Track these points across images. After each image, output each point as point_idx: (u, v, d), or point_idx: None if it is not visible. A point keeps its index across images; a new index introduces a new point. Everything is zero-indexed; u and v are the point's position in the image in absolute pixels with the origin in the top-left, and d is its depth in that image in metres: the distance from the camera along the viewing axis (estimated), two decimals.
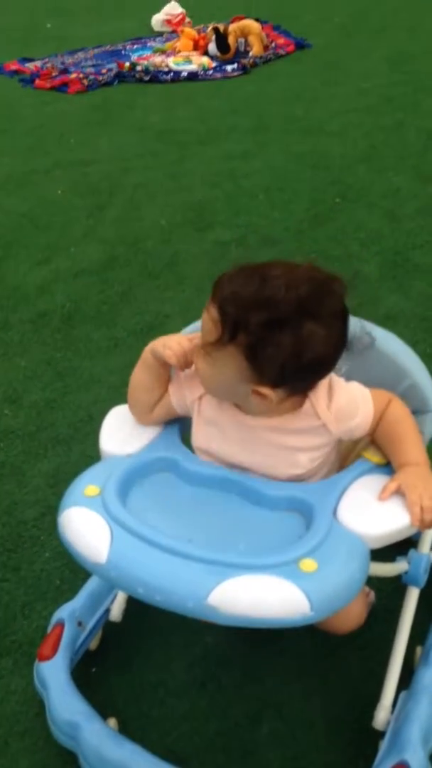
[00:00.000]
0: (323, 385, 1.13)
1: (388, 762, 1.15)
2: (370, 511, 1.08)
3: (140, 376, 1.21)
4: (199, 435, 1.19)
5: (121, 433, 1.24)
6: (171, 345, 1.15)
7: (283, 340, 1.02)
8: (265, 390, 1.07)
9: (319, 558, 1.00)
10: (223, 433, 1.16)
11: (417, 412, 1.25)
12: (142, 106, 4.24)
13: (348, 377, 1.22)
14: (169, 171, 3.41)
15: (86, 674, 1.37)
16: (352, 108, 3.96)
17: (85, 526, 1.06)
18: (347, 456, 1.28)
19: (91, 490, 1.11)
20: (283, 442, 1.14)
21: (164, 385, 1.21)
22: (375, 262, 2.60)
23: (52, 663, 1.30)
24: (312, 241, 2.77)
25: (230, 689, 1.36)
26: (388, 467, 1.16)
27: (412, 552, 1.24)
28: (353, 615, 1.25)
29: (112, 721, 1.28)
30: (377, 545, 1.06)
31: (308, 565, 0.99)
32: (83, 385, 2.14)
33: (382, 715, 1.24)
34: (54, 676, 1.28)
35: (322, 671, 1.38)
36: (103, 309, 2.47)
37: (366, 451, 1.19)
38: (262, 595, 0.96)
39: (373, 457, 1.17)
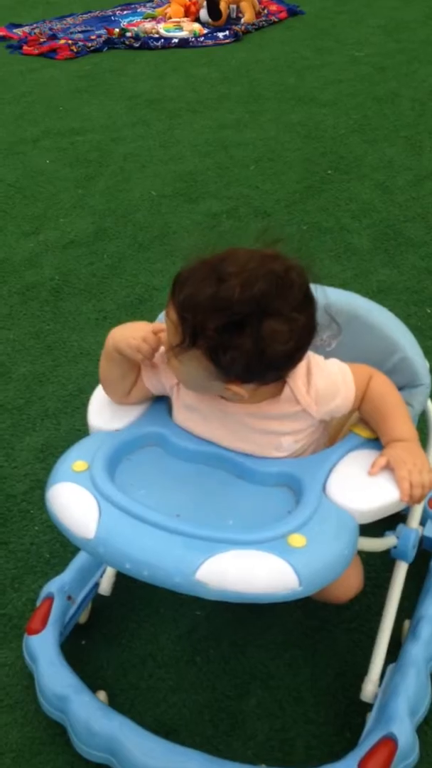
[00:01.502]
0: (301, 368, 1.11)
1: (375, 734, 1.16)
2: (359, 487, 1.08)
3: (108, 370, 1.18)
4: (179, 418, 1.18)
5: (108, 408, 1.23)
6: (138, 345, 1.12)
7: (244, 342, 1.01)
8: (235, 387, 1.07)
9: (307, 533, 1.00)
10: (204, 418, 1.15)
11: (408, 386, 1.24)
12: (132, 73, 4.16)
13: (338, 352, 1.21)
14: (159, 140, 3.35)
15: (75, 647, 1.38)
16: (345, 77, 3.90)
17: (73, 502, 1.05)
18: (338, 432, 1.27)
19: (79, 465, 1.10)
20: (265, 427, 1.13)
21: (136, 371, 1.19)
22: (367, 235, 2.58)
23: (41, 636, 1.30)
24: (303, 213, 2.74)
25: (218, 662, 1.37)
26: (377, 442, 1.16)
27: (400, 527, 1.25)
28: (353, 582, 1.26)
29: (102, 694, 1.28)
30: (366, 520, 1.06)
31: (297, 540, 0.99)
32: (72, 359, 2.12)
33: (369, 687, 1.25)
34: (43, 649, 1.29)
35: (310, 644, 1.39)
36: (92, 281, 2.44)
37: (355, 426, 1.19)
38: (250, 571, 0.96)
39: (362, 431, 1.17)
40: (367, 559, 1.41)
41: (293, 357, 1.07)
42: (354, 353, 1.21)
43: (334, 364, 1.15)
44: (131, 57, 4.40)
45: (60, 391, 2.02)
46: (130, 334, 1.13)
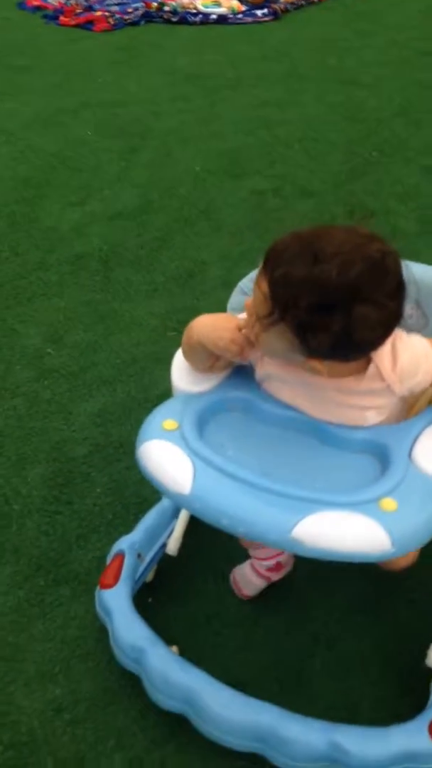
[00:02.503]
0: (387, 345, 1.12)
1: None
2: None
3: (191, 354, 1.21)
4: (264, 384, 1.20)
5: (191, 371, 1.25)
6: (226, 346, 1.15)
7: (333, 324, 1.02)
8: (315, 362, 1.08)
9: (398, 498, 1.03)
10: (289, 386, 1.17)
11: None
12: (171, 48, 4.15)
13: (417, 326, 1.23)
14: (200, 116, 3.35)
15: (143, 604, 1.41)
16: (386, 60, 3.89)
17: (167, 458, 1.08)
18: (415, 401, 1.29)
19: (170, 424, 1.13)
20: (350, 402, 1.15)
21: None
22: (413, 218, 2.59)
23: (114, 591, 1.34)
24: (349, 194, 2.75)
25: (283, 624, 1.41)
26: None
27: None
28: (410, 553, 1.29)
29: (174, 648, 1.32)
30: None
31: (389, 504, 1.02)
32: (125, 328, 2.15)
33: None
34: (117, 602, 1.32)
35: (373, 612, 1.42)
36: (140, 253, 2.46)
37: None
38: (346, 531, 1.00)
39: None
40: None
41: (378, 341, 1.08)
42: (419, 325, 1.22)
43: (417, 339, 1.17)
44: (169, 31, 4.39)
45: (113, 359, 2.04)
46: (217, 334, 1.16)
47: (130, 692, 1.30)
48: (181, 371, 1.26)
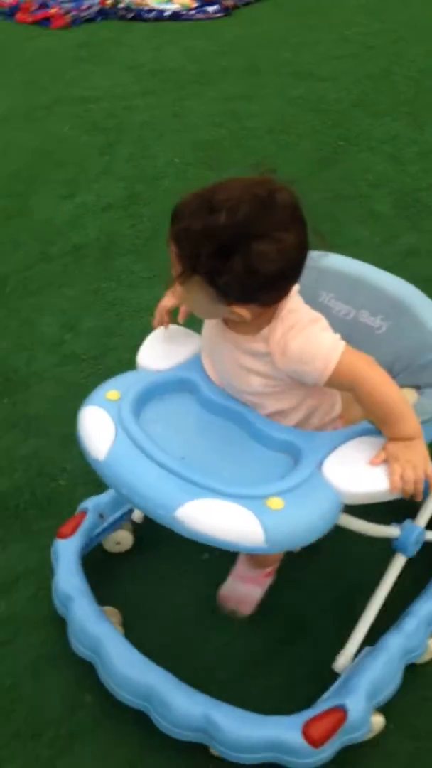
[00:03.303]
0: (290, 319, 1.17)
1: (329, 702, 1.27)
2: (353, 470, 1.15)
3: None
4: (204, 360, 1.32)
5: (159, 349, 1.36)
6: (155, 324, 1.37)
7: (235, 265, 1.08)
8: (237, 308, 1.14)
9: (288, 499, 1.10)
10: (209, 339, 1.28)
11: (428, 384, 1.31)
12: (130, 44, 4.24)
13: (383, 338, 1.34)
14: (171, 110, 3.48)
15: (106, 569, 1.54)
16: (338, 55, 4.09)
17: (95, 425, 1.19)
18: (345, 416, 1.33)
19: (113, 394, 1.23)
20: (238, 360, 1.22)
21: None
22: (387, 202, 2.80)
23: (67, 542, 1.49)
24: (323, 182, 2.93)
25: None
26: None
27: (407, 522, 1.36)
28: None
29: (110, 609, 1.45)
30: (351, 502, 1.15)
31: (275, 503, 1.09)
32: (135, 313, 2.28)
33: (341, 660, 1.36)
34: (66, 552, 1.47)
35: (296, 612, 1.51)
36: (137, 243, 2.58)
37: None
38: (223, 520, 1.08)
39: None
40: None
41: (285, 275, 1.13)
42: (393, 340, 1.31)
43: (329, 338, 1.18)
44: (126, 28, 4.48)
45: (129, 342, 2.16)
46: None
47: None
48: (148, 348, 1.36)
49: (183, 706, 1.26)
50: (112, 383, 1.26)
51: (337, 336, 1.18)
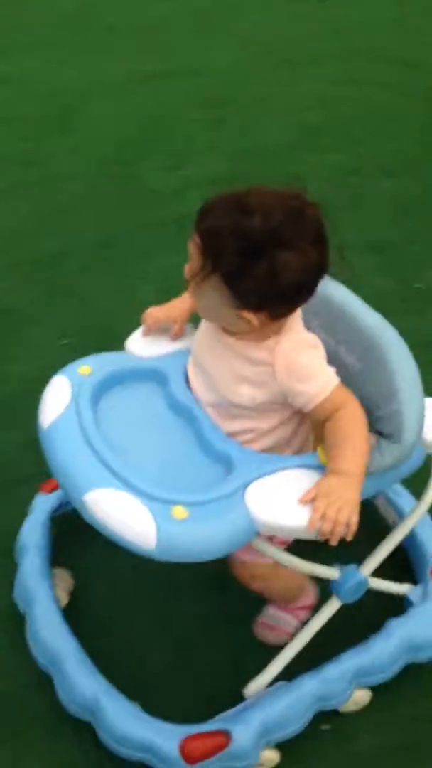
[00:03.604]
0: (296, 338, 1.20)
1: (216, 724, 1.29)
2: (276, 500, 1.12)
3: None
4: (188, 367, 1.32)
5: (149, 338, 1.37)
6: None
7: (259, 270, 1.11)
8: (247, 314, 1.15)
9: (194, 511, 1.08)
10: (201, 343, 1.29)
11: (390, 438, 1.23)
12: (250, 19, 4.27)
13: (355, 379, 1.27)
14: (283, 89, 3.53)
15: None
16: None
17: (54, 395, 1.22)
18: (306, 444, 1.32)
19: (85, 369, 1.26)
20: (232, 365, 1.22)
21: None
22: None
23: (46, 497, 1.62)
24: (427, 174, 2.96)
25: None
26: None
27: (350, 567, 1.35)
28: (286, 590, 1.47)
29: (61, 573, 1.56)
30: (266, 532, 1.15)
31: (180, 512, 1.08)
32: None
33: (252, 687, 1.36)
34: (39, 507, 1.60)
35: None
36: None
37: (322, 448, 1.20)
38: (122, 515, 1.08)
39: (323, 456, 1.19)
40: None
41: (304, 289, 1.16)
42: (362, 382, 1.24)
43: (329, 370, 1.20)
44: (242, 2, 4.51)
45: None
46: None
47: None
48: (139, 335, 1.39)
49: (77, 677, 1.33)
50: (90, 359, 1.28)
51: (333, 370, 1.21)
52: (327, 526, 1.11)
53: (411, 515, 1.43)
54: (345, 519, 1.11)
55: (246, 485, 1.13)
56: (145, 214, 2.69)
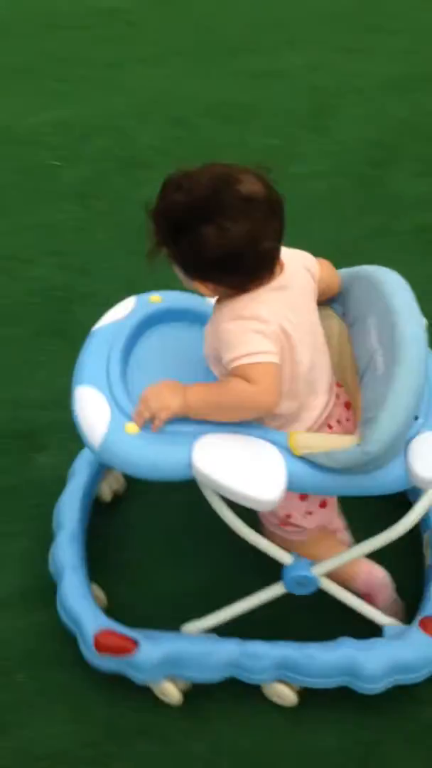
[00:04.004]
0: (244, 308, 1.24)
1: (136, 634, 1.48)
2: (214, 451, 1.24)
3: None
4: None
5: None
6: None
7: (184, 244, 1.20)
8: (196, 284, 1.26)
9: (145, 433, 1.26)
10: None
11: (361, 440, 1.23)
12: None
13: (374, 378, 1.27)
14: None
15: None
16: None
17: (118, 308, 1.46)
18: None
19: (155, 298, 1.47)
20: (209, 329, 1.32)
21: None
22: None
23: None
24: None
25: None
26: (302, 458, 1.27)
27: (303, 560, 1.43)
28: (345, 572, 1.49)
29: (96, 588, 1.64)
30: (196, 476, 1.25)
31: (132, 428, 1.26)
32: None
33: (189, 626, 1.49)
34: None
35: None
36: None
37: (295, 434, 1.28)
38: (87, 413, 1.29)
39: (291, 441, 1.27)
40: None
41: (228, 262, 1.20)
42: (379, 382, 1.25)
43: (257, 343, 1.22)
44: None
45: None
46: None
47: None
48: None
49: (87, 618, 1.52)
50: (164, 293, 1.47)
51: (269, 349, 1.22)
52: (139, 407, 1.27)
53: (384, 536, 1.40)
54: (152, 410, 1.25)
55: (203, 433, 1.25)
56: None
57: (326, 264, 1.42)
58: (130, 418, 1.27)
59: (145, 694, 1.50)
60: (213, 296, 1.29)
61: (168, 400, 1.25)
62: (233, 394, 1.23)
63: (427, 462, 1.24)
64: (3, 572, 1.72)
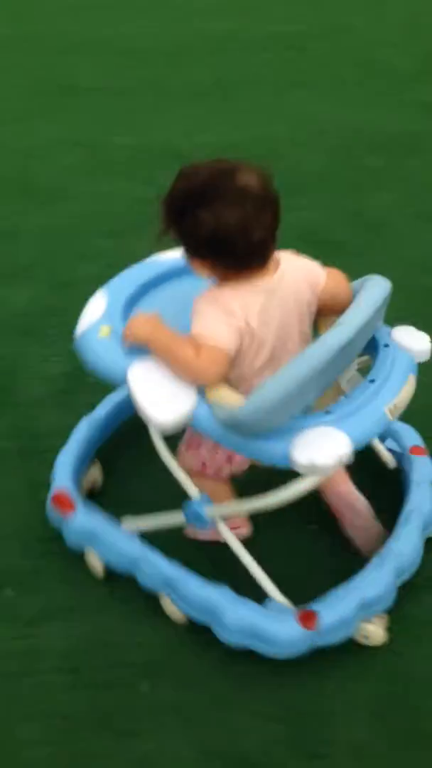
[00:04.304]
0: (219, 294, 1.39)
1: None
2: (150, 379, 1.40)
3: None
4: None
5: None
6: None
7: (183, 226, 1.36)
8: (194, 263, 1.41)
9: (112, 338, 1.47)
10: None
11: None
12: None
13: None
14: None
15: None
16: None
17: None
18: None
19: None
20: None
21: None
22: None
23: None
24: None
25: None
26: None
27: (204, 498, 1.55)
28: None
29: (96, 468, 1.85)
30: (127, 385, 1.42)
31: (104, 330, 1.49)
32: None
33: (128, 523, 1.69)
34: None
35: None
36: None
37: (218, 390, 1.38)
38: (86, 312, 1.55)
39: (209, 394, 1.39)
40: None
41: (225, 244, 1.33)
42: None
43: (212, 330, 1.37)
44: None
45: None
46: None
47: None
48: None
49: (120, 541, 1.66)
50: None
51: (224, 338, 1.36)
52: (123, 329, 1.47)
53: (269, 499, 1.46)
54: (128, 330, 1.46)
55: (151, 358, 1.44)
56: None
57: (334, 274, 1.49)
58: (107, 322, 1.50)
59: None
60: (209, 277, 1.41)
61: (140, 328, 1.43)
62: (181, 354, 1.38)
63: (306, 449, 1.29)
64: None
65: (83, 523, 1.67)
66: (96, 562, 1.68)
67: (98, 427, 1.88)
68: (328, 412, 1.35)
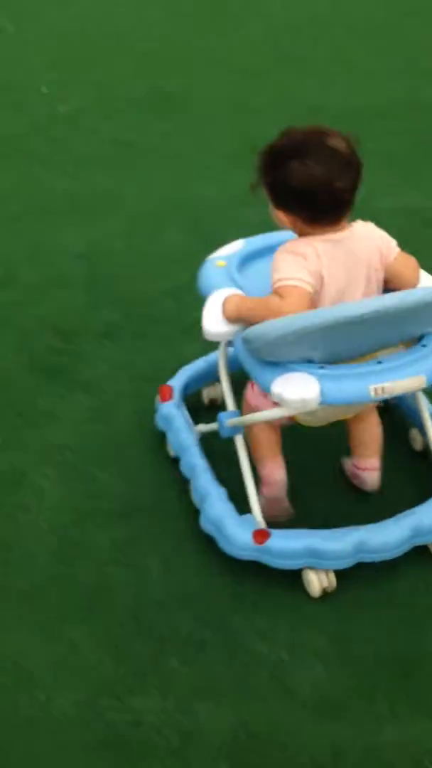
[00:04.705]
0: (294, 242, 1.61)
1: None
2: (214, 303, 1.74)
3: None
4: None
5: None
6: None
7: (277, 174, 1.55)
8: (277, 211, 1.61)
9: (222, 276, 1.83)
10: None
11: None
12: None
13: None
14: None
15: None
16: None
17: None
18: None
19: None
20: None
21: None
22: None
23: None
24: None
25: None
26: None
27: (232, 412, 1.84)
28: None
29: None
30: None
31: (221, 263, 1.85)
32: None
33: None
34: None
35: None
36: None
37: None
38: (219, 251, 1.94)
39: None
40: None
41: (305, 196, 1.53)
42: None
43: (291, 273, 1.56)
44: None
45: None
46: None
47: None
48: None
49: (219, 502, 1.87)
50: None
51: (305, 278, 1.54)
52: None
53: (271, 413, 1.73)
54: (224, 313, 1.70)
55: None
56: None
57: (406, 257, 1.67)
58: (225, 258, 1.87)
59: None
60: (290, 228, 1.61)
61: (228, 308, 1.67)
62: (269, 306, 1.56)
63: (282, 384, 1.55)
64: None
65: (169, 410, 2.09)
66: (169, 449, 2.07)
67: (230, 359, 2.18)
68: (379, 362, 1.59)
